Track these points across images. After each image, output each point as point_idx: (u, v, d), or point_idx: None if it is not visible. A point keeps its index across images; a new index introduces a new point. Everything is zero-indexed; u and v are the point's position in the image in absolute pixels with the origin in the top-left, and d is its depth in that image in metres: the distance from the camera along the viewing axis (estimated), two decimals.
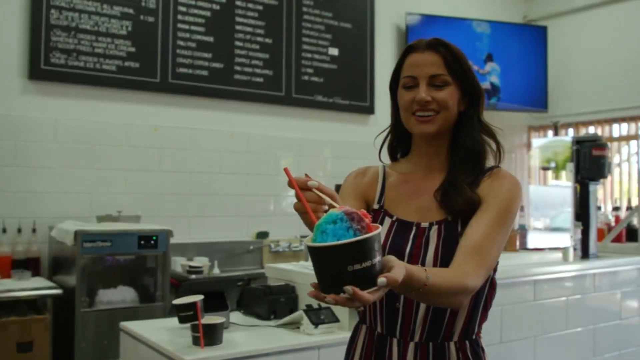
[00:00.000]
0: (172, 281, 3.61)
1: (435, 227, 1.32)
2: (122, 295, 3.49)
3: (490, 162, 1.40)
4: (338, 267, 0.87)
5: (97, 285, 3.43)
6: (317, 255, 0.89)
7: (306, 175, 1.05)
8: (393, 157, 1.49)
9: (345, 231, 0.87)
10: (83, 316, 3.31)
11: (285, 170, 1.05)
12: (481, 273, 1.21)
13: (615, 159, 5.67)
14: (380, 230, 0.92)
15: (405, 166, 1.44)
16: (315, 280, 0.94)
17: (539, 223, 3.24)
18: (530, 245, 3.09)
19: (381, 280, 0.91)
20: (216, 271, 4.04)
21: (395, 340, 1.32)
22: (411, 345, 1.30)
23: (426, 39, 1.38)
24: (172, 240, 3.63)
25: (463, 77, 1.36)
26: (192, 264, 3.93)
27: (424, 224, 1.33)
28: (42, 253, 3.72)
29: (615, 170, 5.66)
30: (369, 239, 0.87)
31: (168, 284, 3.55)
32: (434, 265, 1.27)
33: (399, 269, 0.96)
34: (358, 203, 1.41)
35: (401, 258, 1.27)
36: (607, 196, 5.62)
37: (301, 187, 1.03)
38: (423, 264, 1.28)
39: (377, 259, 0.90)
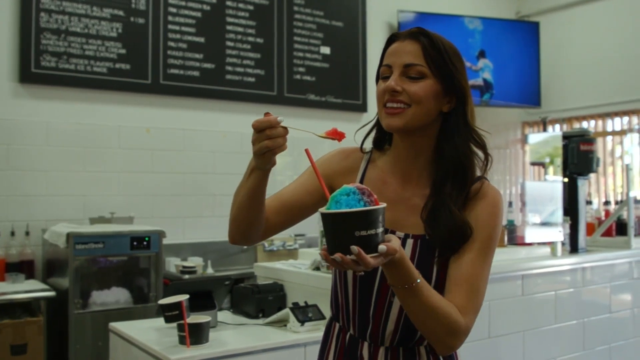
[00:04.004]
0: (166, 282, 3.63)
1: (410, 241, 1.26)
2: (115, 296, 3.50)
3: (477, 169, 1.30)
4: (347, 231, 1.00)
5: (91, 287, 3.45)
6: (331, 220, 1.02)
7: (267, 113, 1.11)
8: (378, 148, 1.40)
9: (356, 202, 1.02)
10: (77, 318, 3.33)
11: (306, 151, 1.15)
12: (472, 314, 1.20)
13: (617, 153, 5.69)
14: (386, 206, 1.04)
15: (387, 160, 1.35)
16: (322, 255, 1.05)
17: (535, 218, 3.24)
18: (527, 240, 3.10)
19: (382, 247, 1.02)
20: (210, 271, 4.05)
21: (366, 344, 1.31)
22: (381, 350, 1.30)
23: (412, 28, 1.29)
24: (166, 241, 3.65)
25: (444, 71, 1.23)
26: (185, 264, 3.95)
27: (399, 234, 1.27)
28: (36, 256, 3.74)
29: (612, 165, 5.67)
30: (375, 210, 1.01)
31: (161, 284, 3.57)
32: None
33: (397, 242, 1.06)
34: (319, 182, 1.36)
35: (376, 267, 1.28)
36: (600, 191, 5.63)
37: (273, 126, 1.09)
38: None
39: (381, 230, 1.03)
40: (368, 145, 1.40)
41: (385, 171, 1.34)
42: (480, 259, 1.23)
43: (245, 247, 4.45)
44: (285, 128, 1.11)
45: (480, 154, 1.30)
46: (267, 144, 1.10)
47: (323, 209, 1.04)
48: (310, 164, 1.16)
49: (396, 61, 1.25)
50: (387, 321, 1.28)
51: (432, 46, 1.23)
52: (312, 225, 3.15)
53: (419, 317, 1.17)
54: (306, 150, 1.16)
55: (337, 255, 1.01)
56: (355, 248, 0.99)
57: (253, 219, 1.24)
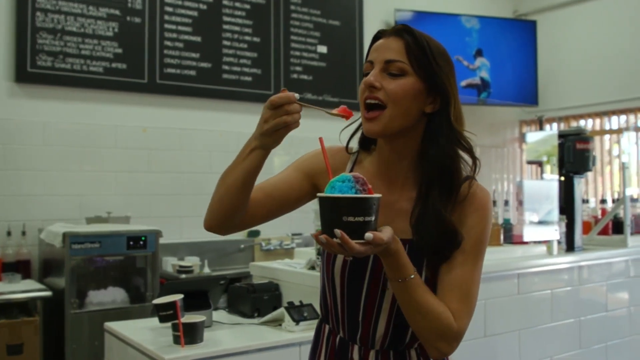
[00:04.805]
0: (162, 281, 3.63)
1: None
2: (112, 296, 3.50)
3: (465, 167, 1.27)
4: (336, 216, 1.05)
5: (87, 287, 3.45)
6: (322, 204, 1.07)
7: (283, 89, 1.13)
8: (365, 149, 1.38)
9: (349, 189, 1.06)
10: (73, 318, 3.32)
11: (320, 139, 1.20)
12: (466, 319, 1.20)
13: (614, 152, 5.69)
14: (379, 197, 1.07)
15: (372, 162, 1.33)
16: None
17: (532, 217, 3.24)
18: (526, 238, 3.10)
19: (368, 235, 1.03)
20: (207, 270, 4.05)
21: (356, 347, 1.30)
22: (372, 353, 1.29)
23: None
24: (163, 241, 3.65)
25: (426, 69, 1.20)
26: (182, 263, 3.95)
27: None
28: (32, 255, 3.73)
29: (610, 164, 5.68)
30: (363, 199, 1.05)
31: (158, 284, 3.57)
32: None
33: (388, 233, 1.07)
34: (303, 181, 1.33)
35: (364, 270, 1.26)
36: (598, 190, 5.63)
37: (292, 101, 1.11)
38: (385, 281, 1.24)
39: (371, 219, 1.06)
40: (356, 144, 1.38)
41: (371, 173, 1.30)
42: (471, 262, 1.22)
43: (243, 246, 4.45)
44: (300, 105, 1.13)
45: (467, 158, 1.26)
46: (286, 119, 1.11)
47: (320, 193, 1.10)
48: (322, 152, 1.20)
49: (378, 57, 1.23)
50: (377, 325, 1.27)
51: (415, 44, 1.21)
52: (309, 225, 3.15)
53: (411, 314, 1.18)
54: (320, 139, 1.20)
55: (323, 237, 1.04)
56: (338, 232, 1.02)
57: (240, 204, 1.22)
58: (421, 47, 1.21)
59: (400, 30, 1.23)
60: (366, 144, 1.35)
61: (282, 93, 1.12)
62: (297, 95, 1.12)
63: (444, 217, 1.20)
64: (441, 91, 1.22)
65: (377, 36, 1.28)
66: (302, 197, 1.34)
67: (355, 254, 1.04)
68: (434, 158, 1.22)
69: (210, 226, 1.26)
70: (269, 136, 1.14)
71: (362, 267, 1.26)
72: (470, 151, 1.25)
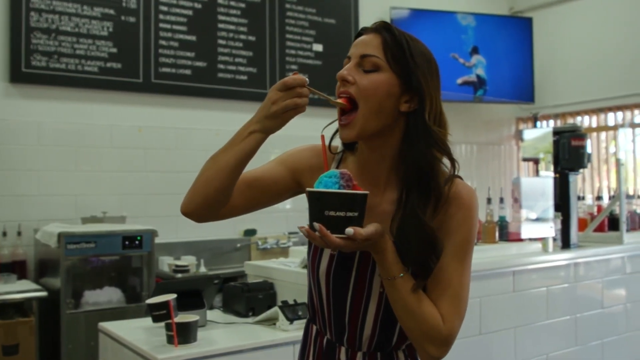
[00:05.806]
0: (158, 280, 3.62)
1: None
2: (108, 296, 3.50)
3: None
4: (319, 209, 1.06)
5: (83, 287, 3.45)
6: (309, 198, 1.09)
7: (295, 72, 1.14)
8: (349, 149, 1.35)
9: (333, 184, 1.07)
10: (69, 318, 3.32)
11: (322, 137, 1.21)
12: (456, 322, 1.18)
13: (611, 149, 5.70)
14: (363, 193, 1.07)
15: (355, 162, 1.30)
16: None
17: (530, 214, 3.25)
18: (524, 236, 3.10)
19: (348, 230, 1.04)
20: (203, 269, 4.05)
21: (343, 349, 1.29)
22: (359, 355, 1.28)
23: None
24: (159, 240, 3.65)
25: (402, 66, 1.17)
26: (178, 263, 3.95)
27: None
28: (28, 256, 3.73)
29: (607, 161, 5.68)
30: (344, 194, 1.06)
31: (154, 283, 3.56)
32: (381, 288, 1.22)
33: (371, 230, 1.07)
34: (287, 176, 1.31)
35: (349, 272, 1.24)
36: (595, 187, 5.64)
37: (303, 84, 1.12)
38: (371, 284, 1.23)
39: (354, 214, 1.06)
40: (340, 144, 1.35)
41: (354, 174, 1.24)
42: (459, 264, 1.20)
43: (239, 245, 4.44)
44: (308, 89, 1.15)
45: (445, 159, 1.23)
46: (298, 101, 1.12)
47: (309, 188, 1.11)
48: (322, 149, 1.20)
49: (355, 52, 1.21)
50: (363, 327, 1.26)
51: (393, 40, 1.19)
52: (304, 224, 3.15)
53: (400, 314, 1.17)
54: (322, 137, 1.21)
55: (304, 229, 1.06)
56: (316, 225, 1.04)
57: (226, 188, 1.20)
58: (398, 44, 1.19)
59: (380, 27, 1.22)
60: (349, 144, 1.32)
61: (295, 75, 1.13)
62: (307, 80, 1.13)
63: (423, 222, 1.16)
64: (417, 90, 1.19)
65: (360, 33, 1.27)
66: (283, 192, 1.32)
67: (336, 247, 1.05)
68: (411, 160, 1.19)
69: (188, 210, 1.23)
70: (276, 118, 1.14)
71: (347, 269, 1.25)
72: (447, 153, 1.21)
